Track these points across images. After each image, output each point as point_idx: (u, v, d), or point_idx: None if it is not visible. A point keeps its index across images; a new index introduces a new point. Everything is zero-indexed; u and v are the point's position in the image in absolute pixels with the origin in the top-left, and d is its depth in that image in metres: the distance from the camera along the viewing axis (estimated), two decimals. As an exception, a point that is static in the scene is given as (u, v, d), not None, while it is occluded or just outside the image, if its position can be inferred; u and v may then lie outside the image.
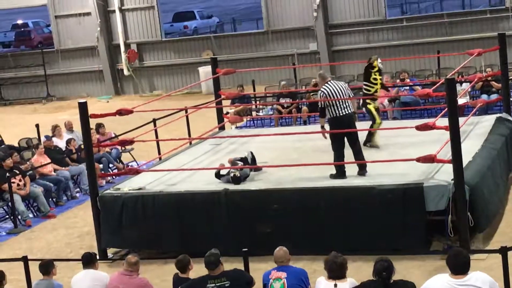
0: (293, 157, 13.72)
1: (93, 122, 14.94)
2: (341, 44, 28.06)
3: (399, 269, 8.25)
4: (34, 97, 32.20)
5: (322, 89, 12.29)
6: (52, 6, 31.51)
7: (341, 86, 12.44)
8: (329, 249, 8.50)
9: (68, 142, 18.35)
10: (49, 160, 17.03)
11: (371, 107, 13.97)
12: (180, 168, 13.64)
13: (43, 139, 18.28)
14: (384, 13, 27.59)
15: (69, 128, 19.60)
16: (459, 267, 7.19)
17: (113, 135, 18.93)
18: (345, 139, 12.38)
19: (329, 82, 12.39)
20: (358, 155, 12.37)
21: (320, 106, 12.36)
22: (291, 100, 21.01)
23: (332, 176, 12.27)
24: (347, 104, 12.37)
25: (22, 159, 17.45)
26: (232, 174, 12.53)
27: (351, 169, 12.33)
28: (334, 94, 12.19)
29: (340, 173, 12.27)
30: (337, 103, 12.19)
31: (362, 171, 12.28)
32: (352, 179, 12.17)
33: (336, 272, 8.01)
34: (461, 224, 11.12)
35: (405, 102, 20.06)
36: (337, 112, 12.21)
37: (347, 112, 12.30)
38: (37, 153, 17.11)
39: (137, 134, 15.81)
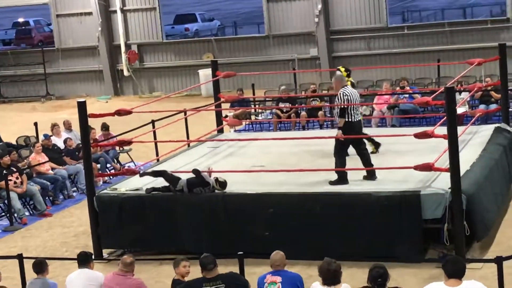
0: (291, 162, 13.72)
1: (93, 122, 14.95)
2: (342, 50, 28.06)
3: (394, 276, 8.27)
4: (33, 95, 32.17)
5: (344, 91, 12.29)
6: (53, 5, 31.51)
7: (355, 91, 12.60)
8: (325, 254, 8.50)
9: (65, 141, 18.34)
10: (46, 159, 17.03)
11: None
12: (177, 170, 13.62)
13: (41, 137, 18.27)
14: (385, 21, 27.60)
15: (68, 127, 19.59)
16: (456, 272, 7.20)
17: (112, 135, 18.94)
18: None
19: (347, 86, 12.49)
20: (367, 161, 12.46)
21: (341, 107, 12.30)
22: (290, 105, 21.01)
23: (332, 183, 12.28)
24: (359, 110, 12.56)
25: (20, 157, 17.44)
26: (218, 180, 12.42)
27: (353, 175, 12.37)
28: (352, 99, 12.28)
29: (342, 178, 12.29)
30: (353, 107, 12.28)
31: (371, 177, 12.35)
32: (349, 185, 12.18)
33: (331, 278, 8.00)
34: (457, 233, 11.12)
35: (404, 109, 20.07)
36: (350, 117, 12.27)
37: (359, 119, 12.42)
38: (35, 151, 17.10)
39: (136, 135, 15.81)
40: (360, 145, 12.49)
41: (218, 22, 47.54)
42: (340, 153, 12.39)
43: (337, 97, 12.38)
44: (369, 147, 13.45)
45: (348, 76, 13.61)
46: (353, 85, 13.66)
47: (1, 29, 47.64)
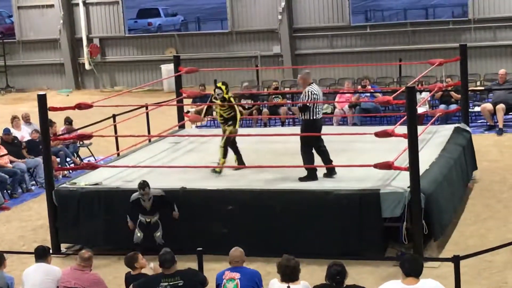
0: (252, 159, 13.72)
1: (54, 116, 14.82)
2: (305, 48, 28.11)
3: (352, 274, 8.30)
4: (-7, 87, 31.84)
5: (311, 89, 12.33)
6: (15, -4, 31.22)
7: (320, 90, 12.65)
8: (284, 251, 8.52)
9: (30, 134, 18.14)
10: (5, 152, 16.84)
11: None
12: (138, 165, 13.57)
13: (2, 131, 18.04)
14: (348, 19, 27.70)
15: (26, 120, 19.40)
16: (413, 271, 7.24)
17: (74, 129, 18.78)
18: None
19: (313, 84, 12.54)
20: (327, 158, 12.52)
21: (305, 104, 12.32)
22: (252, 101, 21.02)
23: (302, 179, 12.32)
24: (322, 108, 12.68)
25: (-22, 150, 17.22)
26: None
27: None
28: (318, 98, 12.34)
29: (311, 175, 12.34)
30: (317, 106, 12.34)
31: (331, 173, 12.42)
32: (310, 182, 12.22)
33: (289, 275, 8.04)
34: (415, 232, 11.20)
35: (365, 108, 20.19)
36: (314, 115, 12.32)
37: (320, 117, 12.51)
38: (-6, 144, 16.91)
39: (96, 129, 15.70)
40: (318, 143, 12.53)
41: (182, 17, 47.40)
42: (306, 150, 12.44)
43: (303, 94, 12.43)
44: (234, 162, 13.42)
45: (227, 91, 13.55)
46: (234, 99, 13.72)
47: (-39, 20, 47.01)
